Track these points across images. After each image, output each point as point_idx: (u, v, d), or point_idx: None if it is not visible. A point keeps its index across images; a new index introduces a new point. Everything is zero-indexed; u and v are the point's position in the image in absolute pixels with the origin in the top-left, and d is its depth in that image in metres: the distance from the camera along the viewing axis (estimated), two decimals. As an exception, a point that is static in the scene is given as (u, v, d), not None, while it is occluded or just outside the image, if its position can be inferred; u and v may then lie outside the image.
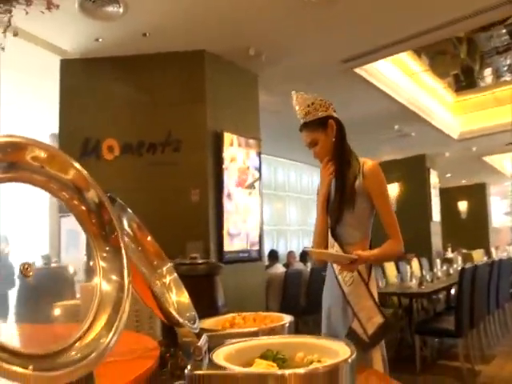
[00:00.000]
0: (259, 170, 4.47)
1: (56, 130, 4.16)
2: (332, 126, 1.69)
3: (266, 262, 7.23)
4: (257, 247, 4.41)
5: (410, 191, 8.73)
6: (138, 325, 1.64)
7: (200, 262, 1.73)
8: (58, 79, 4.04)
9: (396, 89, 5.56)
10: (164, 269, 1.15)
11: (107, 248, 0.76)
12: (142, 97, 4.04)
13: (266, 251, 6.42)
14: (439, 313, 5.15)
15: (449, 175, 11.04)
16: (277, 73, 4.53)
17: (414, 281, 4.94)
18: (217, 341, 1.27)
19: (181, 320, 0.91)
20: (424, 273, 5.46)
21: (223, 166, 4.07)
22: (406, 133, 7.12)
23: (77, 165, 0.73)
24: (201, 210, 3.93)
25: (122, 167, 3.98)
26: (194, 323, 1.05)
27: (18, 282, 1.79)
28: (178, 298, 1.12)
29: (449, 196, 12.05)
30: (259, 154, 4.48)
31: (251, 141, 4.39)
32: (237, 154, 4.23)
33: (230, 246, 4.09)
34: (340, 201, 1.68)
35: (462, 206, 12.80)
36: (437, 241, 8.89)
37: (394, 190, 8.87)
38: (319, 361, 0.92)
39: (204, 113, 4.01)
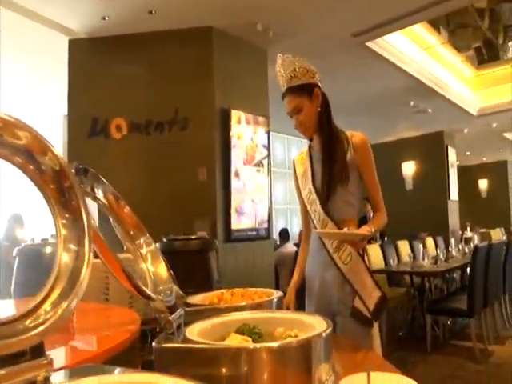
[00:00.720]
0: (268, 147, 4.43)
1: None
2: (317, 95, 1.61)
3: (278, 241, 7.26)
4: (266, 225, 4.40)
5: (427, 169, 8.55)
6: (131, 301, 1.66)
7: (193, 237, 1.72)
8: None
9: (411, 63, 5.38)
10: (142, 240, 1.13)
11: (67, 215, 0.73)
12: (149, 75, 4.02)
13: (279, 230, 6.43)
14: (453, 292, 5.09)
15: (468, 153, 10.76)
16: (286, 48, 4.34)
17: (426, 260, 4.86)
18: (201, 316, 1.27)
19: (149, 292, 0.89)
20: (438, 252, 5.36)
21: (231, 144, 4.03)
22: (422, 109, 6.93)
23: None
24: (208, 189, 3.93)
25: (130, 146, 3.99)
26: (171, 296, 1.04)
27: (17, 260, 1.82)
28: (156, 269, 1.11)
29: (468, 174, 11.78)
30: (268, 131, 4.43)
31: (260, 118, 4.33)
32: (244, 132, 4.19)
33: (237, 224, 4.09)
34: (331, 175, 1.61)
35: (483, 184, 12.49)
36: (454, 220, 8.73)
37: (409, 168, 8.70)
38: (296, 336, 0.91)
39: (212, 90, 3.97)
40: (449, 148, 8.66)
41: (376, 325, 1.59)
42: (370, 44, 4.63)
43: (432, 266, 4.75)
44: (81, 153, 4.02)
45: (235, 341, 0.90)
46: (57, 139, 4.17)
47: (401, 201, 8.55)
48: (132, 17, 3.70)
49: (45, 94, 5.24)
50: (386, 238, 6.78)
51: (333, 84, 5.65)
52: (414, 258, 5.26)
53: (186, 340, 0.86)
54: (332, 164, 1.62)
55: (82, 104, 4.05)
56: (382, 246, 5.51)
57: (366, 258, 1.65)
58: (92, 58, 4.07)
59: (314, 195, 1.67)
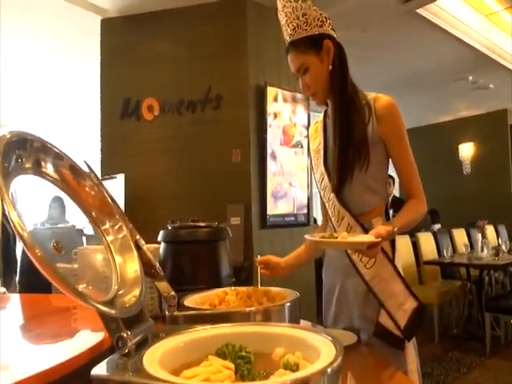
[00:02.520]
0: (307, 127, 4.12)
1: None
2: (328, 48, 1.27)
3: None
4: (305, 211, 4.12)
5: (488, 151, 7.81)
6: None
7: (202, 225, 1.48)
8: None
9: (469, 32, 4.81)
10: (108, 225, 0.92)
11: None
12: (181, 52, 3.84)
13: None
14: (517, 288, 4.58)
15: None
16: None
17: (485, 251, 4.39)
18: (191, 322, 1.05)
19: (89, 299, 0.67)
20: (500, 242, 4.83)
21: (267, 124, 3.77)
22: (482, 85, 6.27)
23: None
24: (242, 171, 3.71)
25: (162, 127, 3.85)
26: (135, 303, 0.81)
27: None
28: (124, 263, 0.90)
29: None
30: (308, 110, 4.12)
31: (299, 96, 4.02)
32: (282, 110, 3.91)
33: (273, 209, 3.84)
34: (345, 156, 1.27)
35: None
36: (519, 207, 7.96)
37: (468, 150, 8.01)
38: (296, 365, 0.66)
39: (246, 66, 3.72)
40: (513, 128, 7.87)
41: (412, 343, 1.26)
42: (421, 11, 4.15)
43: (492, 257, 4.28)
44: (113, 134, 3.94)
45: (211, 369, 0.65)
46: (95, 120, 4.09)
47: (457, 186, 7.91)
48: (161, -10, 3.51)
49: (80, 75, 5.22)
50: (439, 225, 6.27)
51: (379, 59, 5.27)
52: (472, 248, 4.77)
53: (135, 370, 0.63)
54: (346, 140, 1.27)
55: (114, 84, 3.95)
56: (434, 235, 5.06)
57: (396, 258, 1.30)
58: (123, 38, 3.94)
59: (326, 180, 1.35)
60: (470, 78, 6.01)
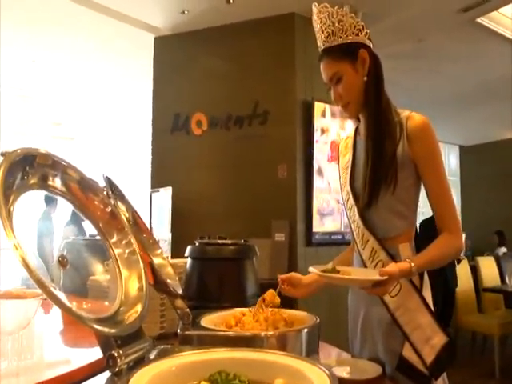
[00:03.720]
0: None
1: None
2: (364, 58, 1.20)
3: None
4: (353, 229, 3.97)
5: None
6: (162, 308, 1.47)
7: (229, 242, 1.45)
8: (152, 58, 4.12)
9: (538, 41, 4.48)
10: (116, 238, 0.91)
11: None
12: (229, 68, 3.89)
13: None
14: None
15: None
16: (379, 31, 3.93)
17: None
18: (206, 342, 1.02)
19: (75, 315, 0.66)
20: None
21: (313, 139, 3.70)
22: (555, 98, 5.79)
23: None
24: (288, 187, 3.65)
25: (210, 142, 3.90)
26: (134, 322, 0.79)
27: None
28: (129, 279, 0.88)
29: None
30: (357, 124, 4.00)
31: (347, 111, 3.92)
32: (330, 126, 3.83)
33: (320, 226, 3.74)
34: (375, 175, 1.18)
35: None
36: None
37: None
38: None
39: (293, 81, 3.70)
40: None
41: (442, 378, 1.14)
42: (482, 20, 3.92)
43: None
44: (163, 148, 4.06)
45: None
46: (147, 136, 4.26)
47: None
48: (210, 8, 3.60)
49: (134, 90, 5.46)
50: (505, 249, 5.81)
51: (436, 72, 5.03)
52: (540, 275, 4.36)
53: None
54: (378, 159, 1.18)
55: (166, 100, 4.08)
56: (498, 259, 4.68)
57: (424, 288, 1.19)
58: (175, 54, 4.08)
59: (351, 200, 1.26)
60: (541, 90, 5.57)
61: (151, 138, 4.13)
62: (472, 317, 3.89)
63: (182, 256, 1.58)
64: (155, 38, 4.10)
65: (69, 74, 5.10)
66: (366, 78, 1.21)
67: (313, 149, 3.70)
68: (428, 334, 1.13)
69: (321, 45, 1.24)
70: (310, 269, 1.13)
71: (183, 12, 3.69)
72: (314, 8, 1.24)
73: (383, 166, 1.17)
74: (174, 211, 3.67)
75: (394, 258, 1.17)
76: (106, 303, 0.99)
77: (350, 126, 3.95)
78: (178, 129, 4.00)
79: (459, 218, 1.17)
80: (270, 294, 1.15)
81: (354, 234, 1.27)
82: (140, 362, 0.74)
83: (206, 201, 3.82)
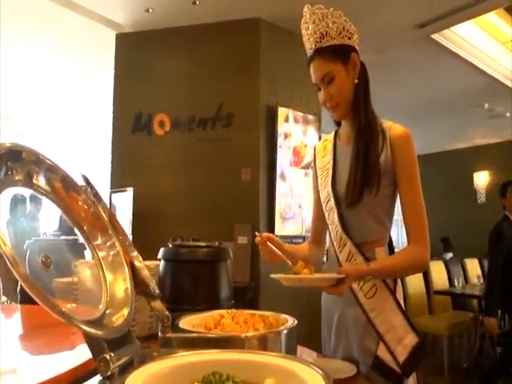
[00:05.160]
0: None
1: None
2: (355, 62, 1.22)
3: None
4: (313, 233, 4.04)
5: (503, 181, 7.65)
6: (135, 311, 1.43)
7: (203, 244, 1.44)
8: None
9: (485, 59, 4.78)
10: (100, 240, 0.89)
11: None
12: (193, 69, 3.86)
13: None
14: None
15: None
16: (341, 42, 4.08)
17: (498, 282, 4.24)
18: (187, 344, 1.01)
19: (65, 317, 0.63)
20: (514, 274, 4.68)
21: (277, 144, 3.75)
22: (498, 113, 6.20)
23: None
24: (251, 190, 3.67)
25: (172, 143, 3.85)
26: (121, 324, 0.77)
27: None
28: (114, 282, 0.86)
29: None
30: (319, 131, 4.09)
31: (310, 117, 4.01)
32: (293, 131, 3.88)
33: (282, 230, 3.78)
34: (358, 178, 1.20)
35: None
36: (534, 239, 7.75)
37: (482, 179, 7.88)
38: None
39: (257, 85, 3.72)
40: (530, 158, 7.73)
41: (412, 378, 1.19)
42: (436, 37, 4.14)
43: (506, 290, 4.12)
44: (124, 148, 3.96)
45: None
46: (107, 135, 4.13)
47: (471, 214, 7.75)
48: (176, 8, 3.56)
49: (93, 88, 5.30)
50: (451, 254, 6.13)
51: (393, 83, 5.24)
52: (484, 279, 4.63)
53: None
54: (364, 162, 1.20)
55: (127, 98, 3.99)
56: (446, 264, 4.93)
57: (397, 291, 1.23)
58: (137, 53, 4.00)
59: (332, 202, 1.27)
60: (486, 105, 5.95)
61: (111, 137, 4.01)
62: (423, 319, 4.06)
63: (144, 258, 1.54)
64: (117, 35, 4.00)
65: (22, 66, 4.86)
66: (356, 81, 1.23)
67: (276, 153, 3.74)
68: (401, 335, 1.17)
69: (312, 45, 1.23)
70: (272, 276, 1.14)
71: (147, 10, 3.63)
72: (307, 9, 1.24)
73: (368, 170, 1.20)
74: (134, 212, 3.58)
75: (369, 261, 1.21)
76: (73, 305, 0.96)
77: (312, 132, 4.03)
78: (139, 129, 3.91)
79: (428, 232, 1.19)
80: (299, 266, 1.13)
81: (332, 236, 1.29)
82: (129, 366, 0.73)
83: (168, 203, 3.76)
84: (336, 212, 1.26)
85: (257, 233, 1.25)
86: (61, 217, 5.24)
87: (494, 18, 4.60)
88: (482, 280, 4.59)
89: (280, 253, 1.22)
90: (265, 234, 1.24)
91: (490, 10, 3.98)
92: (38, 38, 4.15)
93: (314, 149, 1.44)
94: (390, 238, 1.30)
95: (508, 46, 5.04)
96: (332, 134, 1.39)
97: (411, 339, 1.17)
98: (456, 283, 4.35)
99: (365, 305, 1.20)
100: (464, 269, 5.08)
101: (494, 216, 7.47)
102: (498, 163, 7.75)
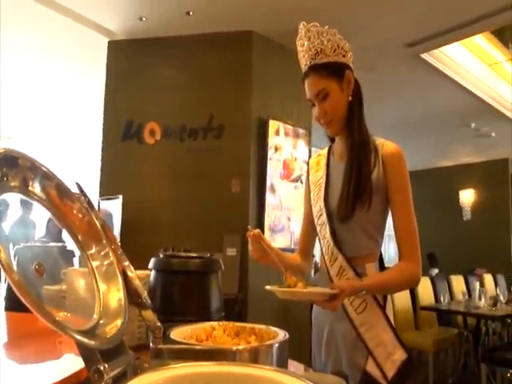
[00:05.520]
0: (308, 163, 4.10)
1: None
2: (350, 79, 1.23)
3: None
4: (301, 247, 4.04)
5: (488, 199, 7.81)
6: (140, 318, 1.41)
7: (194, 255, 1.43)
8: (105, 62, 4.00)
9: (473, 80, 4.89)
10: (94, 249, 0.87)
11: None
12: (185, 79, 3.88)
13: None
14: (515, 341, 4.44)
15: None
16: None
17: (483, 300, 4.28)
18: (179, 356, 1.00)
19: (58, 326, 0.61)
20: (498, 292, 4.73)
21: (267, 156, 3.76)
22: (484, 133, 6.34)
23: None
24: (241, 202, 3.67)
25: (163, 152, 3.84)
26: (115, 335, 0.76)
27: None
28: (108, 292, 0.84)
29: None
30: (309, 145, 4.12)
31: (300, 130, 4.04)
32: (283, 144, 3.90)
33: (271, 242, 3.70)
34: (351, 194, 1.21)
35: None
36: (518, 257, 7.87)
37: (468, 196, 8.01)
38: None
39: (249, 98, 3.74)
40: (514, 178, 7.90)
41: None
42: (425, 56, 4.24)
43: (490, 308, 4.16)
44: (114, 156, 3.93)
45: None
46: (96, 142, 4.09)
47: (456, 231, 7.87)
48: (169, 18, 3.58)
49: (84, 94, 5.27)
50: (437, 270, 6.18)
51: (382, 101, 5.32)
52: (469, 296, 4.66)
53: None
54: (356, 179, 1.21)
55: (118, 106, 3.97)
56: (432, 280, 4.96)
57: (387, 307, 1.23)
58: (129, 60, 4.00)
59: (324, 217, 1.28)
60: (473, 125, 6.07)
61: (101, 144, 3.98)
62: (410, 334, 4.07)
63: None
64: (109, 42, 3.99)
65: (12, 70, 4.81)
66: (350, 99, 1.24)
67: (266, 166, 3.75)
68: (390, 350, 1.17)
69: (307, 62, 1.25)
70: (267, 287, 1.13)
71: (141, 18, 3.64)
72: (303, 26, 1.25)
73: (361, 186, 1.20)
74: (123, 221, 3.54)
75: (360, 276, 1.21)
76: (61, 314, 0.94)
77: (302, 146, 4.06)
78: (129, 137, 3.89)
79: (419, 248, 1.20)
80: (293, 280, 1.13)
81: (323, 250, 1.29)
82: (123, 377, 0.71)
83: (158, 212, 3.73)
84: (328, 227, 1.27)
85: (249, 227, 1.24)
86: (47, 223, 5.17)
87: (481, 41, 4.72)
88: (466, 296, 4.62)
89: (272, 253, 1.22)
90: (257, 231, 1.23)
91: (478, 32, 4.09)
92: (29, 43, 4.13)
93: (308, 163, 1.45)
94: (381, 253, 1.30)
95: (494, 68, 5.17)
96: (326, 150, 1.40)
97: (400, 355, 1.17)
98: (442, 299, 4.37)
99: (355, 320, 1.20)
100: (449, 285, 5.12)
101: (478, 233, 7.64)
102: (483, 182, 7.91)
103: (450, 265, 6.52)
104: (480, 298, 4.29)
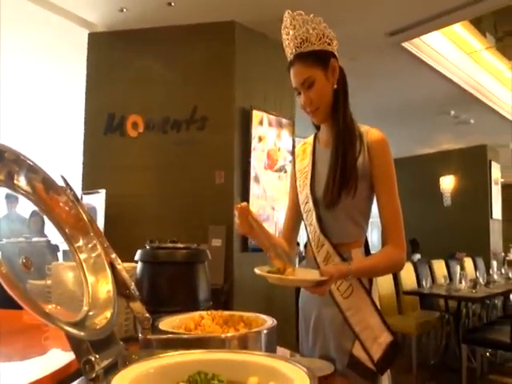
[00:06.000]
0: (292, 153, 4.11)
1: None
2: (335, 67, 1.24)
3: (303, 253, 6.89)
4: (286, 236, 4.08)
5: (468, 185, 7.97)
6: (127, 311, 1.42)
7: (180, 246, 1.44)
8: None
9: (452, 68, 4.97)
10: (81, 242, 0.88)
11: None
12: (167, 71, 3.84)
13: (305, 241, 6.08)
14: (493, 321, 4.57)
15: (514, 170, 10.05)
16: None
17: (463, 283, 4.40)
18: (165, 346, 1.01)
19: (49, 319, 0.63)
20: (478, 275, 4.87)
21: (251, 147, 3.77)
22: (464, 120, 6.45)
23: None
24: (225, 193, 3.68)
25: (146, 145, 3.82)
26: (105, 326, 0.77)
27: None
28: (96, 283, 0.85)
29: (514, 193, 11.03)
30: (293, 135, 4.14)
31: (284, 120, 4.05)
32: (267, 134, 3.92)
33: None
34: (337, 180, 1.23)
35: (529, 204, 11.66)
36: (496, 241, 8.08)
37: (449, 183, 8.16)
38: None
39: (232, 88, 3.74)
40: (492, 163, 8.06)
41: (387, 375, 1.22)
42: (406, 45, 4.28)
43: (470, 290, 4.29)
44: (96, 149, 3.89)
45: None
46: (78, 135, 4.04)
47: (438, 217, 8.02)
48: (150, 9, 3.54)
49: (65, 87, 5.19)
50: (419, 255, 6.31)
51: (365, 89, 5.35)
52: (451, 279, 4.79)
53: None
54: (341, 165, 1.23)
55: (99, 99, 3.93)
56: (414, 265, 5.07)
57: (373, 291, 1.26)
58: (110, 52, 3.94)
59: (310, 204, 1.30)
60: (452, 112, 6.17)
61: (83, 137, 3.93)
62: (393, 318, 4.16)
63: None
64: (90, 34, 3.93)
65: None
66: (335, 87, 1.26)
67: (250, 156, 3.76)
68: (376, 333, 1.20)
69: (293, 50, 1.25)
70: (256, 270, 1.15)
71: (121, 10, 3.59)
72: (288, 15, 1.26)
73: (346, 173, 1.23)
74: (107, 214, 3.52)
75: (346, 261, 1.24)
76: (50, 307, 0.95)
77: (285, 136, 4.08)
78: (111, 130, 3.86)
79: (404, 233, 1.23)
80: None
81: (310, 237, 1.32)
82: (114, 367, 0.73)
83: (141, 205, 3.72)
84: (314, 213, 1.29)
85: (240, 203, 1.25)
86: (30, 218, 5.08)
87: (460, 30, 4.79)
88: (448, 280, 4.74)
89: (258, 228, 1.24)
90: (244, 204, 1.24)
91: (456, 21, 4.15)
92: (7, 35, 4.03)
93: (293, 152, 1.46)
94: (366, 239, 1.33)
95: (472, 57, 5.26)
96: (311, 138, 1.42)
97: (386, 338, 1.20)
98: (424, 283, 4.47)
99: (341, 304, 1.23)
100: (431, 269, 5.24)
101: (458, 218, 7.80)
102: (463, 168, 8.06)
103: (431, 250, 6.66)
104: (460, 281, 4.41)
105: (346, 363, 1.21)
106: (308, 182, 1.33)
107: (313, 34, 1.22)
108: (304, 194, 1.34)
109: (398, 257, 1.23)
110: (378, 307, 1.25)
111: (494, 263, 5.38)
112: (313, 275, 1.16)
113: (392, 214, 1.24)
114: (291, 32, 1.24)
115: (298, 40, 1.23)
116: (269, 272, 1.16)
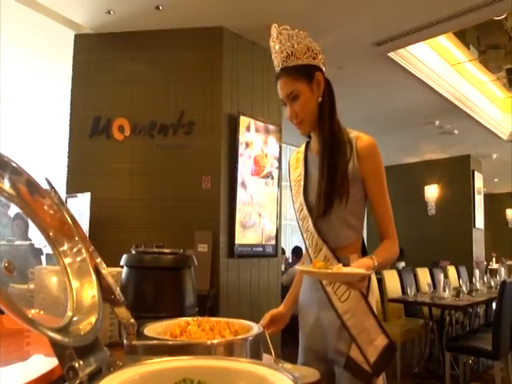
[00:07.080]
0: (279, 159, 4.14)
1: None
2: (319, 80, 1.28)
3: (290, 260, 6.88)
4: (273, 242, 4.08)
5: (451, 194, 8.10)
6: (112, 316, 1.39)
7: (167, 251, 1.42)
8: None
9: (437, 79, 5.05)
10: (66, 246, 0.86)
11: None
12: (155, 75, 3.82)
13: (293, 247, 6.09)
14: (476, 329, 4.62)
15: (496, 180, 10.25)
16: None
17: (447, 291, 4.44)
18: (150, 352, 1.00)
19: (31, 324, 0.61)
20: (461, 283, 4.92)
21: (238, 153, 3.76)
22: (448, 130, 6.56)
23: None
24: (212, 198, 3.66)
25: (132, 148, 3.78)
26: (89, 331, 0.75)
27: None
28: (81, 288, 0.83)
29: (496, 202, 11.25)
30: (280, 141, 4.15)
31: (271, 127, 4.06)
32: (254, 140, 3.92)
33: (242, 238, 3.78)
34: (329, 189, 1.26)
35: (511, 213, 11.91)
36: (479, 249, 8.21)
37: (433, 192, 8.28)
38: None
39: (219, 93, 3.73)
40: (475, 173, 8.22)
41: (382, 377, 1.24)
42: (392, 55, 4.35)
43: (453, 298, 4.32)
44: (81, 152, 3.84)
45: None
46: (63, 137, 3.98)
47: (422, 226, 8.12)
48: (138, 12, 3.52)
49: (50, 89, 5.12)
50: (403, 263, 6.37)
51: (351, 97, 5.42)
52: (435, 287, 4.83)
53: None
54: (331, 173, 1.27)
55: (85, 101, 3.88)
56: (399, 272, 5.10)
57: (370, 295, 1.29)
58: (97, 55, 3.90)
59: (305, 211, 1.33)
60: (437, 122, 6.27)
61: (68, 140, 3.87)
62: (378, 326, 4.18)
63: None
64: (76, 36, 3.89)
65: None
66: (320, 99, 1.28)
67: (237, 162, 3.75)
68: (372, 336, 1.22)
69: (279, 64, 1.28)
70: (297, 267, 1.24)
71: (109, 12, 3.55)
72: (274, 29, 1.28)
73: (337, 181, 1.25)
74: (91, 218, 3.47)
75: (345, 266, 1.25)
76: (33, 311, 0.92)
77: (273, 142, 4.08)
78: (97, 133, 3.81)
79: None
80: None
81: (307, 243, 1.33)
82: (98, 374, 0.70)
83: (127, 209, 3.67)
84: (310, 220, 1.31)
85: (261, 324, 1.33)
86: (13, 221, 4.99)
87: (445, 42, 4.88)
88: (432, 288, 4.78)
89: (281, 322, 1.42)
90: (265, 322, 1.37)
91: (441, 33, 4.23)
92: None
93: (289, 162, 1.49)
94: (363, 242, 1.35)
95: (456, 68, 5.36)
96: (303, 146, 1.44)
97: (381, 340, 1.22)
98: (408, 291, 4.50)
99: (338, 308, 1.25)
100: (416, 277, 5.28)
101: (442, 227, 7.90)
102: (447, 177, 8.19)
103: (416, 258, 6.74)
104: (444, 290, 4.45)
105: (343, 365, 1.24)
106: (301, 189, 1.36)
107: (297, 49, 1.25)
108: (298, 201, 1.37)
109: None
110: (375, 311, 1.27)
111: (477, 272, 5.44)
112: (352, 270, 1.14)
113: (386, 212, 1.30)
114: (277, 46, 1.28)
115: (284, 54, 1.26)
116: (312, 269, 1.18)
